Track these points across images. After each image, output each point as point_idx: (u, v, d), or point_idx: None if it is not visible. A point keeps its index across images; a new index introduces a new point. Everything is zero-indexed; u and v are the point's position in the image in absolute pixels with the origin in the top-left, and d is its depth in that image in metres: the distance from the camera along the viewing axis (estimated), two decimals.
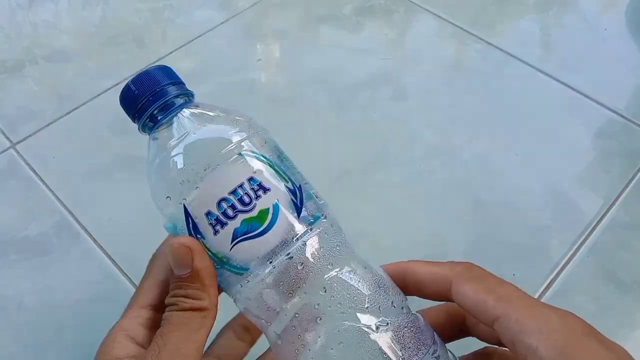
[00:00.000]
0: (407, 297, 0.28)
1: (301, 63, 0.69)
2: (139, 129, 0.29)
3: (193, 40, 0.71)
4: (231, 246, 0.25)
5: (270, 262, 0.25)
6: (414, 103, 0.65)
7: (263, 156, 0.27)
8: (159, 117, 0.28)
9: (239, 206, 0.25)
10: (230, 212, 0.25)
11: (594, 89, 0.65)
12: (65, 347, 0.45)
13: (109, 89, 0.65)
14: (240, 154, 0.26)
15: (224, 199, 0.25)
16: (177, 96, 0.28)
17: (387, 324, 0.25)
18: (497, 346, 0.29)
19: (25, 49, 0.71)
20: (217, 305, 0.27)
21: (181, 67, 0.68)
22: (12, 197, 0.56)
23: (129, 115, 0.29)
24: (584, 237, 0.53)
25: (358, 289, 0.26)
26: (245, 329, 0.33)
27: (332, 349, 0.25)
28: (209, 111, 0.28)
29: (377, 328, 0.25)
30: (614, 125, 0.62)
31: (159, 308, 0.28)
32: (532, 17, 0.76)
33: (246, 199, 0.26)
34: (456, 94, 0.66)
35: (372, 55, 0.70)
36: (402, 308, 0.27)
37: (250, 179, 0.26)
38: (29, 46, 0.71)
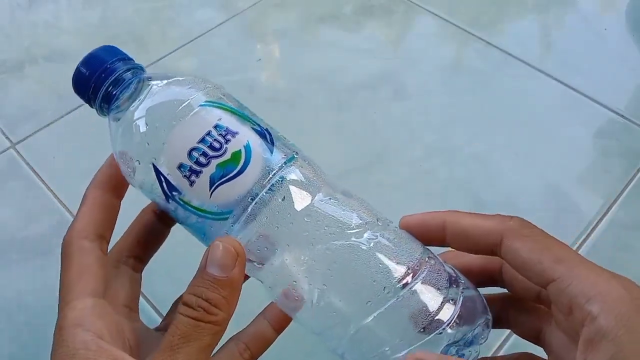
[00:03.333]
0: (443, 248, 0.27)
1: (301, 63, 0.69)
2: (97, 111, 0.29)
3: (193, 40, 0.71)
4: (210, 193, 0.25)
5: (252, 200, 0.25)
6: (414, 103, 0.65)
7: (224, 104, 0.27)
8: (114, 92, 0.28)
9: (211, 152, 0.26)
10: (202, 159, 0.26)
11: (594, 89, 0.65)
12: None
13: None
14: (201, 105, 0.27)
15: (194, 149, 0.26)
16: (127, 70, 0.28)
17: (377, 236, 0.26)
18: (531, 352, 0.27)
19: (25, 49, 0.71)
20: (229, 319, 0.25)
21: (181, 67, 0.68)
22: (12, 197, 0.56)
23: (83, 99, 0.29)
24: (584, 237, 0.53)
25: (341, 211, 0.27)
26: (246, 347, 0.30)
27: (328, 269, 0.25)
28: (162, 79, 0.29)
29: (369, 241, 0.25)
30: (614, 125, 0.62)
31: (98, 294, 0.27)
32: (532, 17, 0.76)
33: (216, 145, 0.26)
34: (456, 94, 0.66)
35: (372, 55, 0.70)
36: (388, 225, 0.27)
37: (216, 126, 0.26)
38: (29, 46, 0.71)
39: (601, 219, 0.54)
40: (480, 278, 0.28)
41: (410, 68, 0.68)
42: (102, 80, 0.28)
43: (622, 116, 0.63)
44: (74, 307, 0.26)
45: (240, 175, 0.26)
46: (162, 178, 0.26)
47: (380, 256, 0.25)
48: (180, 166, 0.26)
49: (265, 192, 0.26)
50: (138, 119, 0.27)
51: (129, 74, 0.28)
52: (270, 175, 0.26)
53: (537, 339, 0.26)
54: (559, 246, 0.24)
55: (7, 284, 0.50)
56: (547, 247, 0.23)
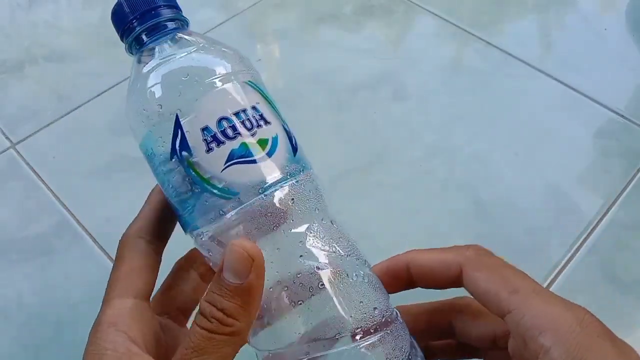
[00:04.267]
0: (412, 289, 0.27)
1: (301, 63, 0.69)
2: (125, 49, 0.28)
3: None
4: (224, 167, 0.24)
5: (263, 191, 0.24)
6: (414, 103, 0.65)
7: (265, 92, 0.27)
8: (146, 41, 0.27)
9: (240, 128, 0.25)
10: (230, 132, 0.24)
11: (594, 89, 0.65)
12: (65, 347, 0.45)
13: (109, 89, 0.65)
14: (248, 82, 0.26)
15: (225, 118, 0.24)
16: (171, 20, 0.27)
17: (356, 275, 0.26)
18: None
19: (25, 49, 0.71)
20: (250, 325, 0.24)
21: None
22: (12, 197, 0.56)
23: (117, 33, 0.27)
24: (584, 237, 0.53)
25: (338, 237, 0.27)
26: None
27: (296, 293, 0.24)
28: (209, 42, 0.28)
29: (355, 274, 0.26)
30: (614, 125, 0.62)
31: (140, 296, 0.26)
32: (532, 17, 0.76)
33: (248, 124, 0.25)
34: (456, 94, 0.66)
35: (372, 55, 0.70)
36: (366, 264, 0.27)
37: (254, 108, 0.25)
38: (29, 46, 0.71)
39: (601, 219, 0.54)
40: (429, 331, 0.28)
41: (410, 68, 0.68)
42: (140, 23, 0.26)
43: (622, 116, 0.63)
44: (113, 305, 0.25)
45: (259, 163, 0.25)
46: (180, 132, 0.24)
47: (351, 294, 0.24)
48: (205, 129, 0.24)
49: (278, 189, 0.25)
50: (182, 62, 0.26)
51: (171, 24, 0.27)
52: (287, 176, 0.25)
53: None
54: (516, 275, 0.24)
55: (7, 284, 0.50)
56: (503, 277, 0.24)
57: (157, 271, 0.28)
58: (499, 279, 0.24)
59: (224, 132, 0.24)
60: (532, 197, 0.56)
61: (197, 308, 0.24)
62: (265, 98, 0.26)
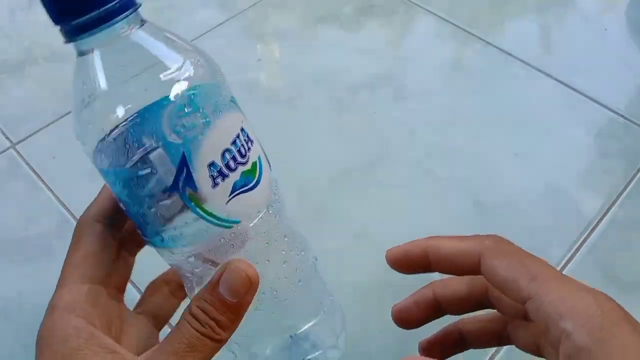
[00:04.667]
0: (430, 273, 0.28)
1: (301, 63, 0.69)
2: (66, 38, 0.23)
3: (193, 40, 0.71)
4: (229, 199, 0.24)
5: (260, 214, 0.25)
6: (414, 103, 0.65)
7: (237, 100, 0.26)
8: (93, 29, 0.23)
9: (239, 158, 0.24)
10: (232, 163, 0.24)
11: (594, 89, 0.65)
12: None
13: None
14: (232, 100, 0.25)
15: (227, 150, 0.23)
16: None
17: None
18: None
19: (25, 49, 0.71)
20: (229, 337, 0.26)
21: None
22: (12, 197, 0.56)
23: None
24: (584, 237, 0.53)
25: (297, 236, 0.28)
26: (180, 286, 0.31)
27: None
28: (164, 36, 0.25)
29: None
30: (614, 125, 0.62)
31: (97, 281, 0.27)
32: (532, 17, 0.76)
33: (242, 151, 0.24)
34: (456, 94, 0.66)
35: (372, 55, 0.70)
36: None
37: (242, 129, 0.24)
38: (29, 46, 0.71)
39: (601, 219, 0.54)
40: (469, 304, 0.28)
41: (410, 68, 0.68)
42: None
43: (622, 116, 0.63)
44: (70, 290, 0.26)
45: (256, 189, 0.25)
46: (186, 169, 0.23)
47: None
48: (212, 164, 0.23)
49: (270, 210, 0.25)
50: (183, 96, 0.23)
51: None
52: (274, 196, 0.26)
53: (538, 352, 0.27)
54: (534, 263, 0.24)
55: (7, 284, 0.50)
56: (522, 264, 0.24)
57: (114, 256, 0.28)
58: (518, 266, 0.24)
59: (227, 165, 0.24)
60: (532, 197, 0.56)
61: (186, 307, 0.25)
62: (241, 110, 0.26)
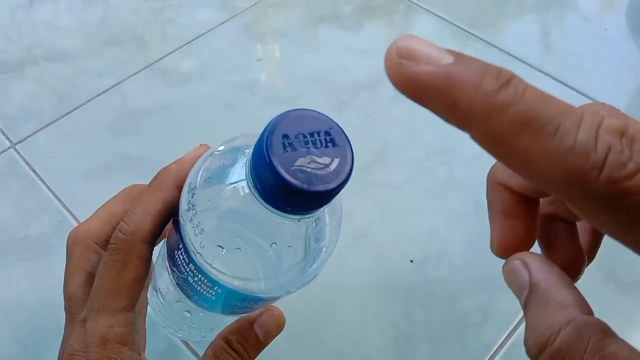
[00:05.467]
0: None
1: (301, 63, 0.69)
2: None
3: (193, 40, 0.71)
4: None
5: None
6: (414, 103, 0.65)
7: None
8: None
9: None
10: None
11: (594, 89, 0.65)
12: None
13: (109, 89, 0.65)
14: None
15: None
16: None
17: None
18: None
19: (25, 49, 0.71)
20: None
21: (181, 67, 0.68)
22: (12, 197, 0.56)
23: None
24: None
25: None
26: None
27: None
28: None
29: None
30: None
31: (136, 304, 0.26)
32: (532, 17, 0.76)
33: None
34: None
35: (372, 55, 0.70)
36: None
37: None
38: (29, 46, 0.71)
39: None
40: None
41: None
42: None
43: None
44: (119, 320, 0.24)
45: None
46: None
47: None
48: None
49: None
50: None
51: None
52: None
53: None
54: None
55: (7, 284, 0.50)
56: None
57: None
58: None
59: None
60: None
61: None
62: None
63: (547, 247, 0.22)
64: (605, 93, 0.65)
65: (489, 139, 0.16)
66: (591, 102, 0.21)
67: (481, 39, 0.71)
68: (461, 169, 0.58)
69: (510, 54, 0.69)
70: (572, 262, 0.21)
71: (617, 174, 0.13)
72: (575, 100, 0.64)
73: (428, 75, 0.15)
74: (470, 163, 0.59)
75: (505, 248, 0.21)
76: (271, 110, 0.73)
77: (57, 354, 0.26)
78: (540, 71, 0.67)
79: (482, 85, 0.15)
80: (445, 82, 0.15)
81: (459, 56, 0.16)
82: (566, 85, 0.66)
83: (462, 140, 0.69)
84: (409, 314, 0.48)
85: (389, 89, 0.70)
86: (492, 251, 0.21)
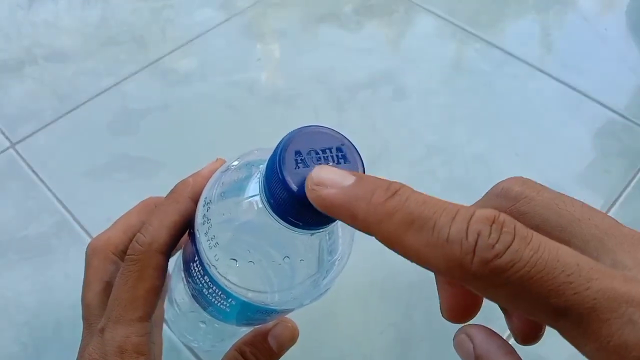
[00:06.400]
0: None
1: (301, 63, 0.69)
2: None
3: (193, 40, 0.70)
4: None
5: None
6: (414, 103, 0.65)
7: None
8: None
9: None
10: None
11: (594, 89, 0.65)
12: (65, 347, 0.45)
13: (109, 89, 0.65)
14: None
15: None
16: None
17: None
18: None
19: (25, 49, 0.70)
20: None
21: (181, 67, 0.68)
22: (12, 197, 0.56)
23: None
24: None
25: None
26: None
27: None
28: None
29: None
30: (614, 125, 0.62)
31: (152, 314, 0.26)
32: (532, 17, 0.76)
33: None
34: (456, 93, 0.66)
35: (372, 55, 0.70)
36: None
37: None
38: (29, 46, 0.71)
39: None
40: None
41: (410, 68, 0.68)
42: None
43: (622, 116, 0.63)
44: (136, 331, 0.25)
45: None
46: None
47: None
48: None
49: None
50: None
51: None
52: None
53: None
54: None
55: (7, 284, 0.50)
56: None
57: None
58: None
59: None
60: None
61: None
62: None
63: (503, 308, 0.24)
64: (605, 93, 0.65)
65: (385, 239, 0.18)
66: (510, 177, 0.24)
67: (481, 38, 0.71)
68: (461, 169, 0.58)
69: (510, 54, 0.69)
70: (528, 320, 0.23)
71: (487, 255, 0.16)
72: (576, 100, 0.64)
73: (332, 196, 0.19)
74: (470, 163, 0.59)
75: (454, 314, 0.23)
76: (271, 110, 0.73)
77: (58, 354, 0.27)
78: (540, 71, 0.67)
79: (372, 199, 0.18)
80: (344, 200, 0.19)
81: (359, 177, 0.20)
82: (566, 85, 0.66)
83: (462, 140, 0.69)
84: (410, 314, 0.48)
85: (389, 89, 0.70)
86: (442, 316, 0.23)
